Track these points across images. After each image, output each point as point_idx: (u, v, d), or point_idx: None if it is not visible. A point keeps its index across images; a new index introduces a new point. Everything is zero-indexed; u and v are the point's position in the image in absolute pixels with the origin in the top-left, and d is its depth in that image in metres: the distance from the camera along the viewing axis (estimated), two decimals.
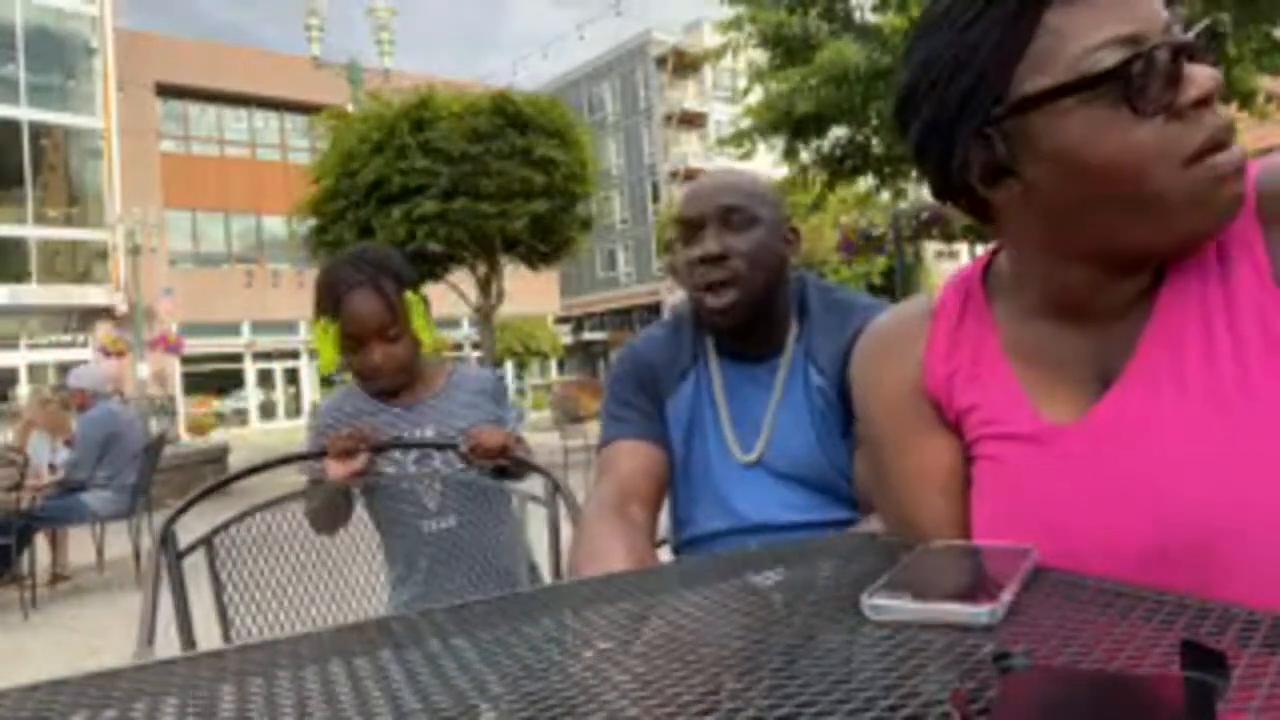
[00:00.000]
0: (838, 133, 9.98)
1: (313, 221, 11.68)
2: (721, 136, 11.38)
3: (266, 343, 27.61)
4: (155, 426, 11.29)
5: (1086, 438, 0.68)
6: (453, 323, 24.07)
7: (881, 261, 15.87)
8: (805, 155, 10.13)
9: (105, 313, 23.37)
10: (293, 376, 28.73)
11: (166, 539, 1.38)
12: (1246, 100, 8.39)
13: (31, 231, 23.13)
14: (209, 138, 28.39)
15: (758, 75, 9.76)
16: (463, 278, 11.76)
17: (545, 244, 11.82)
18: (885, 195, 10.99)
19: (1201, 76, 0.61)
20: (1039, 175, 0.65)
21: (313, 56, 12.54)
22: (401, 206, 10.61)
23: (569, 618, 0.59)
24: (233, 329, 27.08)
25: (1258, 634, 0.45)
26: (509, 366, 29.46)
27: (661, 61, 38.18)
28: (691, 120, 38.72)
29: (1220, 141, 0.61)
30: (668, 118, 38.28)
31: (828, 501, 1.22)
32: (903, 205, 11.03)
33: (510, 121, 10.95)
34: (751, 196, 1.25)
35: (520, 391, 28.69)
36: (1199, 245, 0.66)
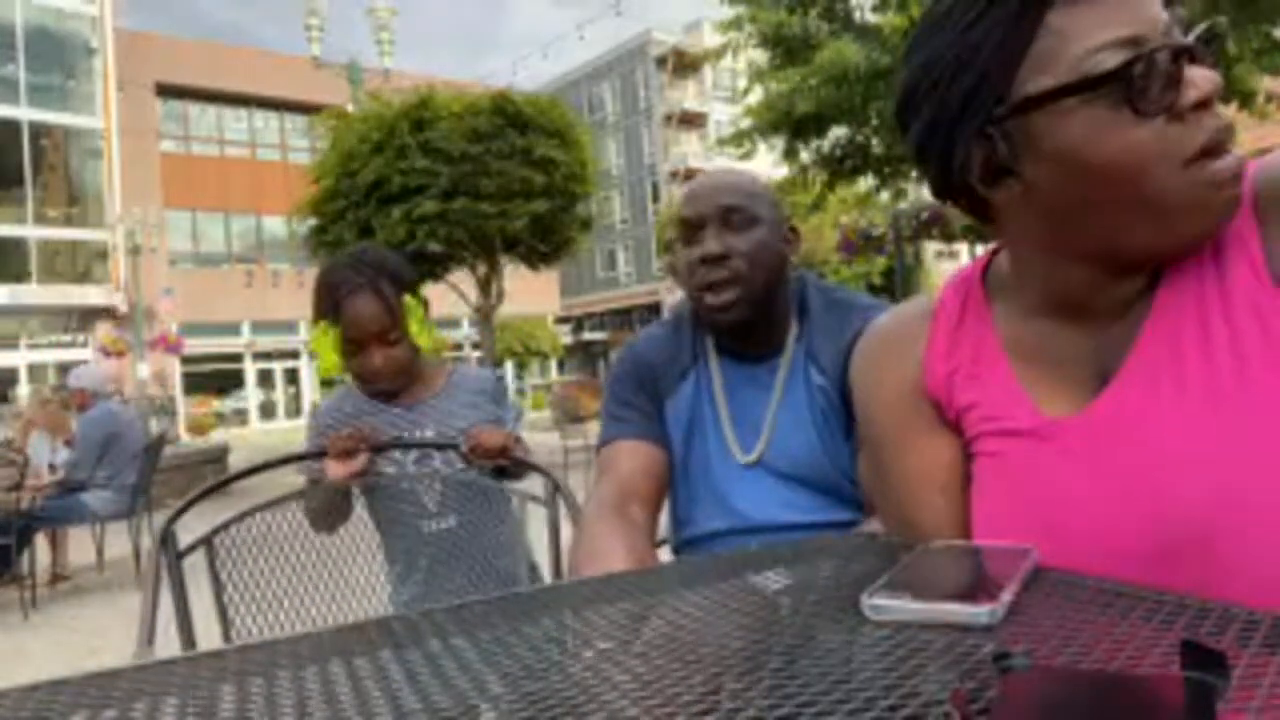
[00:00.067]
0: (838, 133, 9.98)
1: (313, 221, 11.68)
2: (721, 136, 11.37)
3: (266, 343, 27.61)
4: (155, 426, 11.28)
5: (1086, 433, 0.68)
6: (453, 323, 24.08)
7: (881, 261, 15.86)
8: (805, 155, 10.13)
9: (105, 313, 23.37)
10: (293, 376, 28.73)
11: (166, 539, 1.38)
12: (1246, 100, 8.39)
13: (31, 231, 23.13)
14: (209, 138, 28.39)
15: (758, 75, 9.76)
16: (463, 278, 11.76)
17: (545, 244, 11.82)
18: (885, 195, 10.99)
19: (1201, 79, 0.62)
20: (1040, 175, 0.66)
21: (313, 56, 12.54)
22: (401, 206, 10.61)
23: (569, 618, 0.59)
24: (233, 329, 27.08)
25: (1258, 634, 0.45)
26: (509, 366, 29.46)
27: (661, 61, 38.19)
28: (691, 120, 38.72)
29: (1219, 143, 0.62)
30: (668, 118, 38.28)
31: (830, 502, 1.22)
32: (903, 205, 11.03)
33: (510, 121, 10.95)
34: (751, 196, 1.25)
35: (520, 391, 28.70)
36: (1197, 246, 0.66)
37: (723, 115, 35.23)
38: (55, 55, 23.86)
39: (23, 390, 20.86)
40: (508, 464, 1.66)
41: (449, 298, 11.04)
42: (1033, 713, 0.37)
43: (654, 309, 35.34)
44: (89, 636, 4.31)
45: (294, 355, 27.87)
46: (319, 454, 1.63)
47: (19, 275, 22.93)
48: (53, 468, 5.27)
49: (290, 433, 22.50)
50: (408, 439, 1.69)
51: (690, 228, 1.25)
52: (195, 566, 1.41)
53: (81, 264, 24.31)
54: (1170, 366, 0.65)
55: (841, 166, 10.23)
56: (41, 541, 5.14)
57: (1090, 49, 0.62)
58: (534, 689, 0.45)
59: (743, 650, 0.49)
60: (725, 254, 1.21)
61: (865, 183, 10.86)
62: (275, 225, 27.06)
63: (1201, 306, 0.65)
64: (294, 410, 28.04)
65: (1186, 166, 0.61)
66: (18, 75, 22.92)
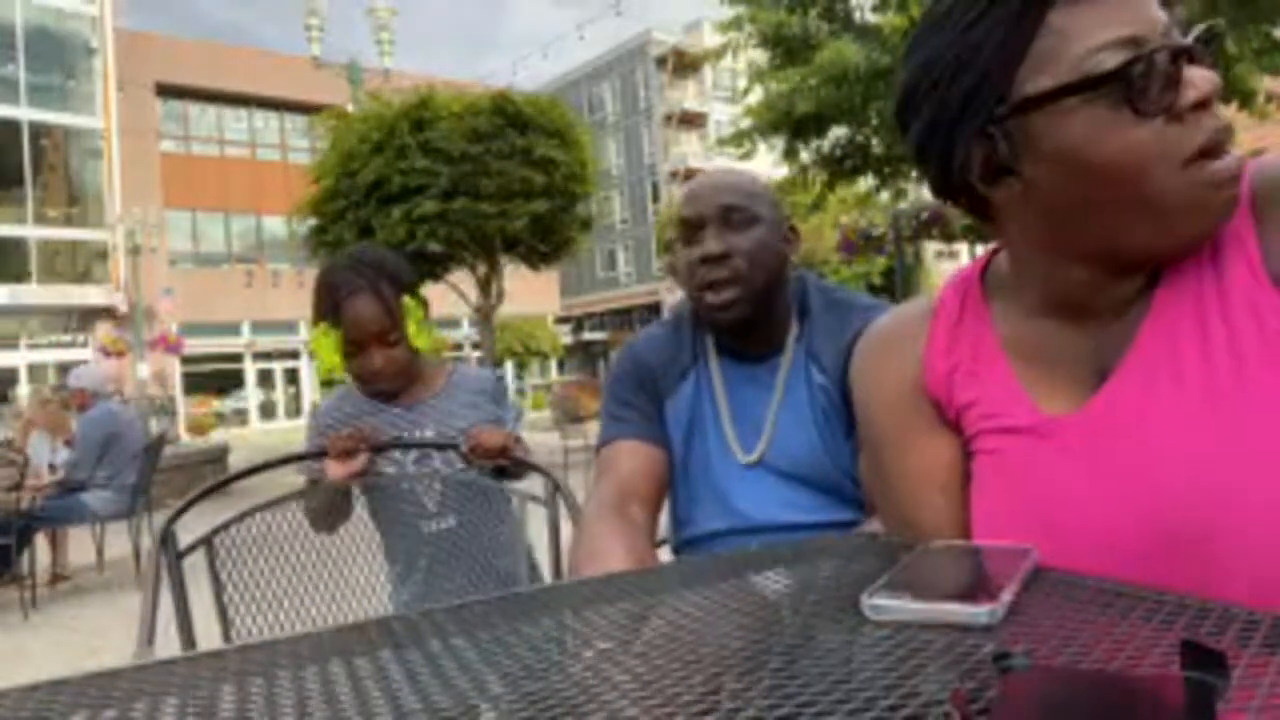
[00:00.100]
0: (838, 133, 9.98)
1: (313, 221, 11.68)
2: (721, 136, 11.37)
3: (266, 343, 27.61)
4: (155, 426, 11.28)
5: (1084, 430, 0.68)
6: (453, 323, 24.08)
7: (881, 261, 15.85)
8: (805, 155, 10.13)
9: (105, 313, 23.37)
10: (293, 376, 28.73)
11: (166, 539, 1.38)
12: (1246, 100, 8.39)
13: (31, 231, 23.13)
14: (209, 138, 28.39)
15: (758, 75, 9.76)
16: (463, 278, 11.75)
17: (545, 244, 11.82)
18: (885, 195, 10.99)
19: (1200, 79, 0.62)
20: (1040, 175, 0.66)
21: (313, 56, 12.53)
22: (401, 206, 10.61)
23: (569, 618, 0.59)
24: (233, 329, 27.08)
25: (1258, 634, 0.45)
26: (509, 366, 29.47)
27: (661, 61, 38.19)
28: (691, 120, 38.72)
29: (1218, 143, 0.62)
30: (668, 118, 38.28)
31: (831, 502, 1.21)
32: (903, 205, 11.03)
33: (510, 121, 10.95)
34: (751, 196, 1.25)
35: (520, 391, 28.70)
36: (1196, 247, 0.66)
37: (723, 115, 35.24)
38: (55, 55, 23.85)
39: (23, 390, 20.86)
40: (508, 464, 1.66)
41: (449, 298, 11.04)
42: (1033, 713, 0.37)
43: (654, 309, 35.34)
44: (89, 636, 4.31)
45: (294, 355, 27.87)
46: (319, 454, 1.63)
47: (19, 275, 22.93)
48: (53, 468, 5.27)
49: (290, 433, 22.50)
50: (408, 439, 1.69)
51: (690, 228, 1.25)
52: (195, 566, 1.41)
53: (81, 264, 24.31)
54: (1168, 364, 0.66)
55: (841, 166, 10.23)
56: (41, 541, 5.14)
57: (1090, 49, 0.62)
58: (534, 689, 0.45)
59: (743, 650, 0.49)
60: (726, 253, 1.21)
61: (865, 183, 10.86)
62: (275, 225, 27.06)
63: (1199, 305, 0.66)
64: (294, 410, 28.04)
65: (1185, 167, 0.62)
66: (18, 75, 22.92)
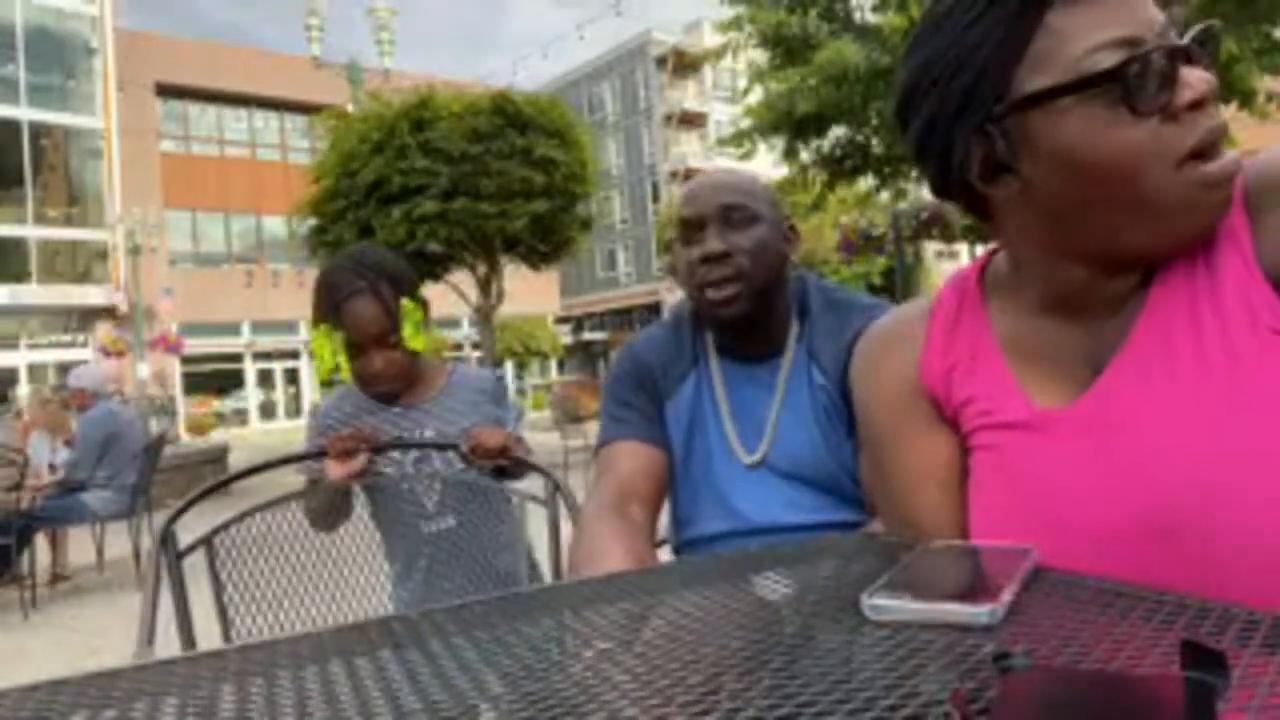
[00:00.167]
0: (838, 133, 9.98)
1: (313, 221, 11.68)
2: (721, 136, 11.38)
3: (266, 343, 27.61)
4: (155, 426, 11.28)
5: (1078, 424, 0.69)
6: (453, 323, 24.08)
7: (881, 261, 15.86)
8: (805, 155, 10.13)
9: (105, 313, 23.37)
10: (293, 376, 28.73)
11: (166, 539, 1.38)
12: (1246, 100, 8.39)
13: (31, 231, 23.13)
14: (209, 138, 28.39)
15: (758, 75, 9.76)
16: (463, 278, 11.75)
17: (545, 244, 11.82)
18: (885, 195, 10.99)
19: (1197, 79, 0.63)
20: (1037, 173, 0.67)
21: (313, 56, 12.53)
22: (401, 206, 10.61)
23: (569, 618, 0.59)
24: (233, 329, 27.08)
25: (1258, 634, 0.45)
26: (509, 366, 29.47)
27: (661, 61, 38.18)
28: (691, 120, 38.72)
29: (1213, 144, 0.63)
30: (668, 118, 38.28)
31: (834, 502, 1.21)
32: (903, 205, 11.03)
33: (510, 121, 10.95)
34: (751, 195, 1.25)
35: (520, 391, 28.70)
36: (1190, 246, 0.67)
37: (723, 115, 35.24)
38: (55, 55, 23.86)
39: (23, 390, 20.86)
40: (507, 464, 1.66)
41: (449, 298, 11.05)
42: (1033, 713, 0.37)
43: (654, 309, 35.34)
44: (89, 636, 4.31)
45: (294, 355, 27.87)
46: (319, 454, 1.63)
47: (19, 275, 22.94)
48: (53, 468, 5.27)
49: (290, 433, 22.50)
50: (407, 439, 1.69)
51: (690, 227, 1.25)
52: (195, 566, 1.41)
53: (81, 264, 24.31)
54: (1162, 359, 0.66)
55: (841, 166, 10.23)
56: (41, 541, 5.14)
57: (1088, 49, 0.63)
58: (534, 689, 0.45)
59: (743, 650, 0.49)
60: (727, 252, 1.21)
61: (865, 183, 10.86)
62: (275, 225, 27.04)
63: (1193, 300, 0.66)
64: (294, 410, 28.04)
65: (1179, 167, 0.62)
66: (18, 75, 22.92)
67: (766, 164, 13.33)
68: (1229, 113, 8.56)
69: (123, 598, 4.96)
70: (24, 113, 22.92)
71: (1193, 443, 0.63)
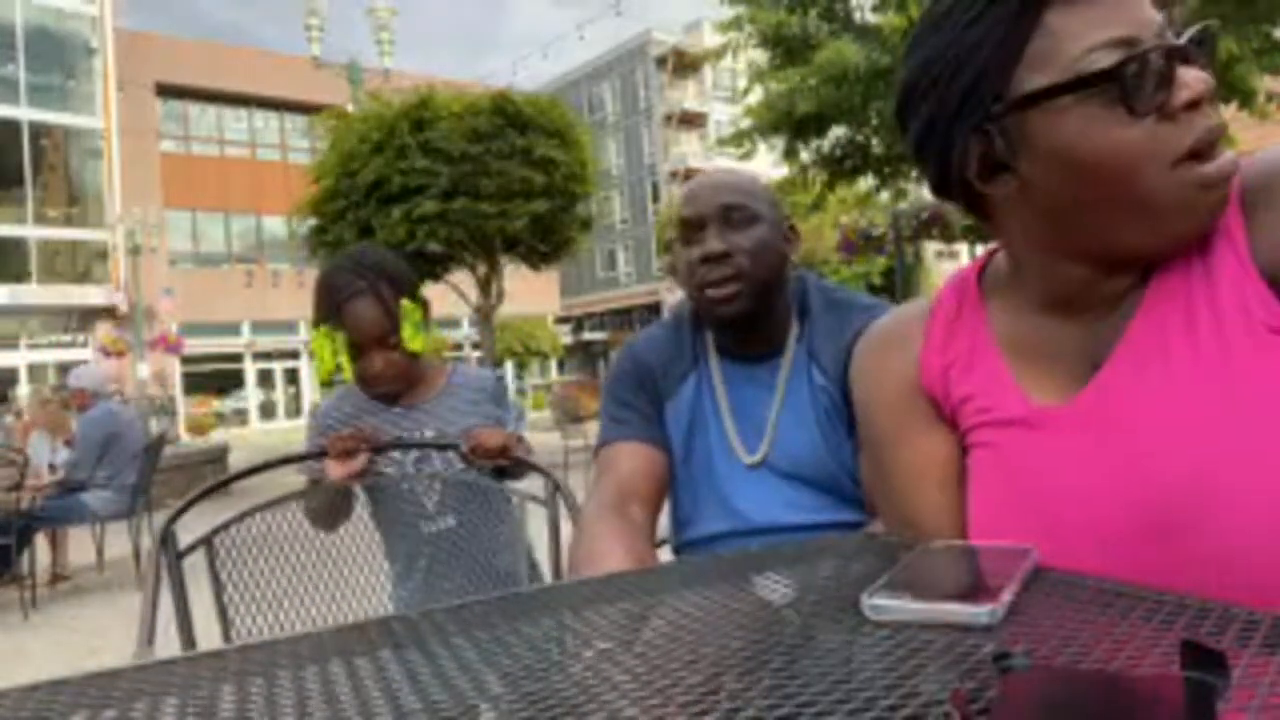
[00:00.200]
0: (838, 133, 9.98)
1: (313, 221, 11.68)
2: (721, 136, 11.38)
3: (266, 343, 27.61)
4: (155, 426, 11.28)
5: (1074, 420, 0.69)
6: (453, 323, 24.08)
7: (881, 261, 15.85)
8: (805, 155, 10.13)
9: (105, 313, 23.37)
10: (293, 376, 28.73)
11: (166, 539, 1.38)
12: (1246, 100, 8.39)
13: (31, 231, 23.14)
14: (209, 138, 28.39)
15: (758, 75, 9.76)
16: (463, 278, 11.75)
17: (545, 244, 11.83)
18: (885, 195, 10.99)
19: (1194, 79, 0.63)
20: (1035, 172, 0.67)
21: (313, 56, 12.53)
22: (401, 206, 10.61)
23: (569, 618, 0.59)
24: (233, 329, 27.08)
25: (1258, 634, 0.45)
26: (509, 366, 29.47)
27: (661, 61, 38.18)
28: (691, 120, 38.72)
29: (1209, 144, 0.63)
30: (668, 118, 38.28)
31: (834, 502, 1.21)
32: (903, 205, 11.03)
33: (510, 121, 10.95)
34: (751, 195, 1.25)
35: (520, 391, 28.70)
36: (1187, 245, 0.67)
37: (723, 115, 35.25)
38: (55, 55, 23.86)
39: (23, 390, 20.85)
40: (507, 464, 1.66)
41: (449, 298, 11.05)
42: (1033, 713, 0.37)
43: (654, 309, 35.34)
44: (89, 636, 4.31)
45: (294, 355, 27.87)
46: (319, 454, 1.63)
47: (19, 275, 22.94)
48: (53, 468, 5.27)
49: (290, 433, 22.50)
50: (408, 439, 1.69)
51: (690, 227, 1.25)
52: (195, 566, 1.40)
53: (81, 264, 24.31)
54: (1158, 356, 0.67)
55: (841, 166, 10.23)
56: (41, 541, 5.14)
57: (1086, 49, 0.63)
58: (534, 689, 0.45)
59: (743, 650, 0.49)
60: (728, 252, 1.21)
61: (865, 183, 10.86)
62: (275, 225, 27.04)
63: (1190, 298, 0.67)
64: (294, 410, 28.04)
65: (1174, 167, 0.63)
66: (18, 75, 22.92)
67: (766, 164, 13.34)
68: (1229, 113, 8.57)
69: (123, 598, 4.96)
70: (24, 113, 22.92)
71: (1188, 439, 0.64)
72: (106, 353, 18.57)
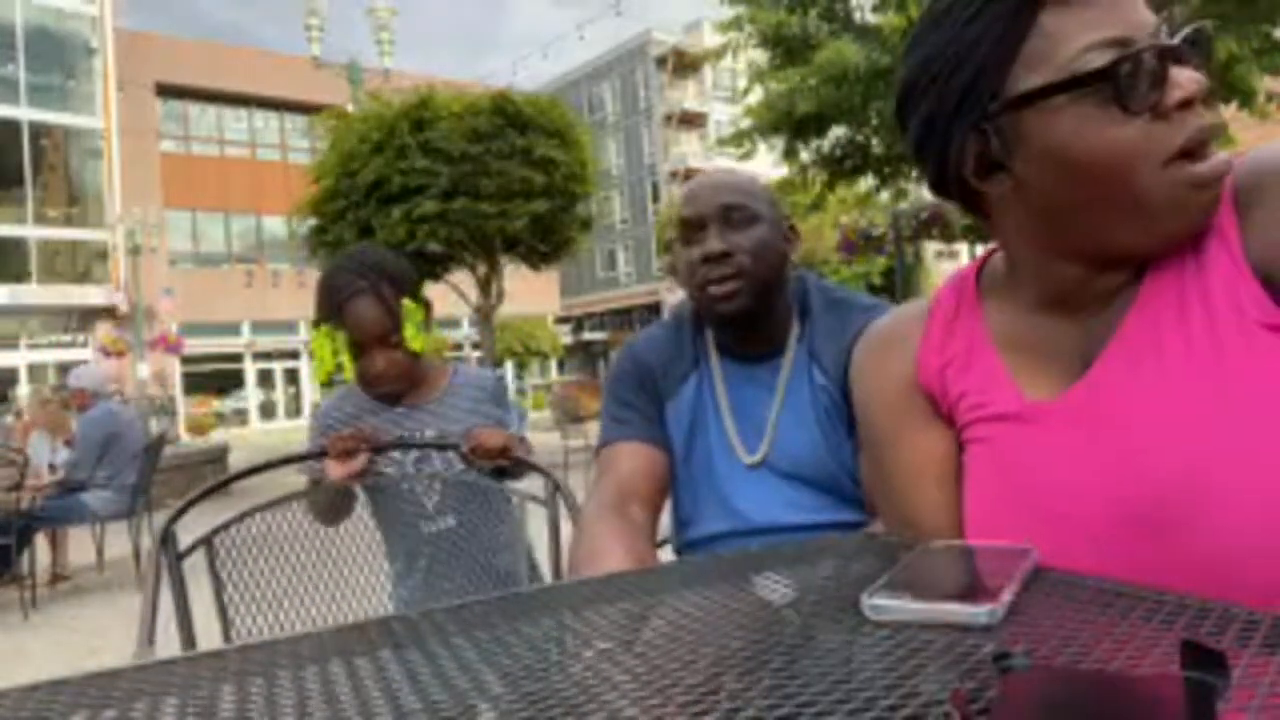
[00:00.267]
0: (838, 133, 9.99)
1: (313, 221, 11.67)
2: (721, 136, 11.39)
3: (266, 343, 27.61)
4: (155, 426, 11.28)
5: (1067, 415, 0.70)
6: (453, 323, 24.08)
7: (881, 261, 15.85)
8: (805, 155, 10.14)
9: (105, 313, 23.37)
10: (293, 376, 28.73)
11: (166, 539, 1.38)
12: (1246, 100, 8.39)
13: (31, 231, 23.13)
14: (209, 138, 28.39)
15: (758, 75, 9.77)
16: (463, 278, 11.75)
17: (545, 244, 11.82)
18: (885, 195, 10.99)
19: (1186, 79, 0.64)
20: (1029, 171, 0.68)
21: (313, 56, 12.53)
22: (401, 206, 10.61)
23: (569, 618, 0.59)
24: (233, 329, 27.08)
25: (1258, 634, 0.45)
26: (509, 366, 29.47)
27: (661, 61, 38.18)
28: (691, 120, 38.72)
29: (1201, 143, 0.64)
30: (668, 118, 38.28)
31: (834, 502, 1.21)
32: (903, 205, 11.03)
33: (510, 121, 10.95)
34: (751, 194, 1.25)
35: (520, 391, 28.70)
36: (1180, 243, 0.68)
37: (723, 115, 35.25)
38: (55, 55, 23.85)
39: (23, 390, 20.85)
40: (507, 464, 1.66)
41: (449, 298, 11.04)
42: (1033, 713, 0.37)
43: (654, 309, 35.34)
44: (89, 636, 4.31)
45: (294, 355, 27.87)
46: (319, 454, 1.63)
47: (19, 275, 22.93)
48: (53, 468, 5.27)
49: (290, 433, 22.51)
50: (409, 439, 1.69)
51: (691, 228, 1.25)
52: (195, 566, 1.40)
53: (81, 264, 24.31)
54: (1151, 352, 0.67)
55: (841, 166, 10.24)
56: (41, 541, 5.14)
57: (1080, 49, 0.64)
58: (534, 689, 0.45)
59: (743, 650, 0.49)
60: (728, 251, 1.21)
61: (865, 183, 10.86)
62: (275, 225, 27.04)
63: (1182, 296, 0.67)
64: (294, 410, 28.03)
65: (1166, 166, 0.63)
66: (18, 75, 22.92)
67: (766, 164, 13.32)
68: (1229, 113, 8.57)
69: (123, 598, 4.96)
70: (24, 113, 22.92)
71: (1180, 436, 0.64)
72: (106, 353, 18.57)
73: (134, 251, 19.60)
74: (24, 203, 23.06)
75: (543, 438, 9.13)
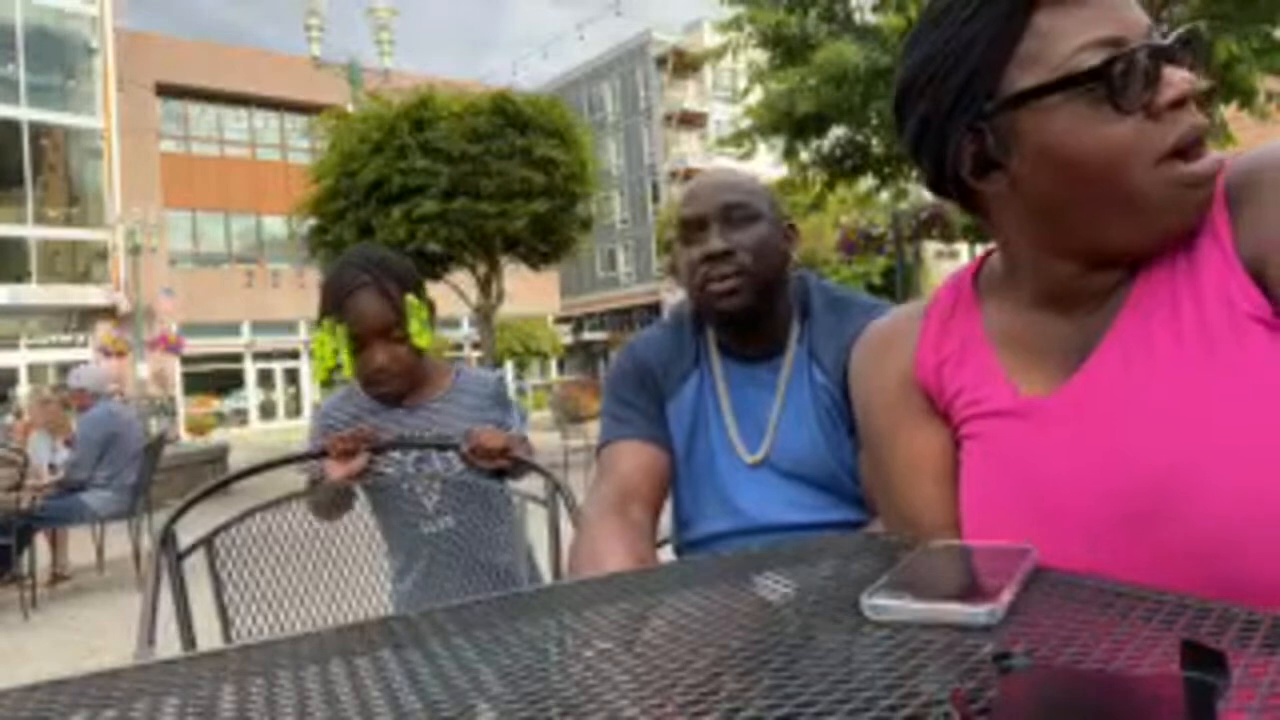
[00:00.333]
0: (838, 133, 9.99)
1: (313, 221, 11.68)
2: (721, 136, 11.39)
3: (266, 343, 27.61)
4: (155, 426, 11.29)
5: (1060, 411, 0.71)
6: (453, 323, 24.08)
7: (881, 261, 15.88)
8: (805, 155, 10.14)
9: (105, 313, 23.37)
10: (293, 376, 28.72)
11: (166, 539, 1.38)
12: (1247, 100, 8.39)
13: (31, 231, 23.13)
14: (209, 138, 28.38)
15: (758, 75, 9.77)
16: (463, 278, 11.75)
17: (545, 244, 11.83)
18: (885, 195, 11.00)
19: (1179, 79, 0.64)
20: (1024, 170, 0.69)
21: (313, 56, 12.53)
22: (401, 206, 10.61)
23: (569, 618, 0.59)
24: (233, 329, 27.07)
25: (1258, 634, 0.45)
26: (509, 366, 29.46)
27: (661, 61, 38.18)
28: (691, 120, 38.72)
29: (1193, 142, 0.65)
30: (668, 118, 38.28)
31: (835, 501, 1.22)
32: (903, 205, 11.04)
33: (510, 121, 10.95)
34: (751, 194, 1.25)
35: (520, 391, 28.70)
36: (1173, 241, 0.68)
37: (723, 115, 35.22)
38: (55, 55, 23.85)
39: (23, 390, 20.85)
40: (507, 465, 1.66)
41: (449, 298, 11.03)
42: (1033, 713, 0.37)
43: (654, 309, 35.33)
44: (89, 636, 4.31)
45: (294, 355, 27.87)
46: (319, 454, 1.63)
47: (19, 275, 22.93)
48: (53, 468, 5.27)
49: (290, 433, 22.50)
50: (408, 439, 1.69)
51: (691, 227, 1.25)
52: (195, 566, 1.40)
53: (81, 264, 24.31)
54: (1143, 349, 0.68)
55: (841, 166, 10.24)
56: (41, 541, 5.13)
57: (1074, 49, 0.65)
58: (534, 689, 0.45)
59: (743, 650, 0.49)
60: (729, 250, 1.21)
61: (865, 183, 10.87)
62: (275, 225, 27.04)
63: (1174, 293, 0.68)
64: (294, 410, 28.03)
65: (1158, 164, 0.64)
66: (18, 75, 22.92)
67: (766, 164, 13.34)
68: (1229, 113, 8.58)
69: (123, 598, 4.96)
70: (24, 113, 22.91)
71: (1171, 431, 0.64)
72: (106, 353, 18.58)
73: (134, 251, 19.59)
74: (24, 203, 23.05)
75: (543, 438, 9.13)
